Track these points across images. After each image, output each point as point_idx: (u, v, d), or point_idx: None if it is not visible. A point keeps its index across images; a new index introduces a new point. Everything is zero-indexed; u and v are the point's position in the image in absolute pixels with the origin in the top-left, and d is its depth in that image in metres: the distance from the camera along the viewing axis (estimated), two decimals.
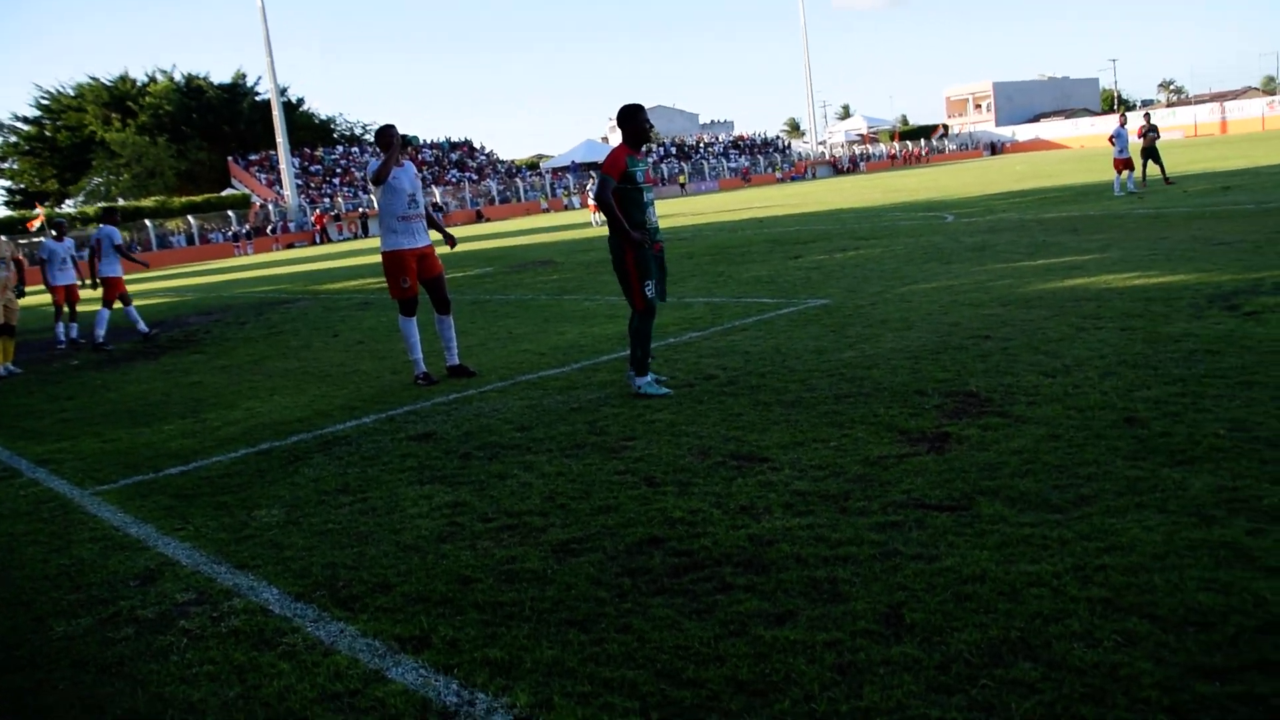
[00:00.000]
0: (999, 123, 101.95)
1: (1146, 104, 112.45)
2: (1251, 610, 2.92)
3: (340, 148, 78.62)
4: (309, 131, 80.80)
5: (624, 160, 6.52)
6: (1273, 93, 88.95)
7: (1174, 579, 3.18)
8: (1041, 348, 6.85)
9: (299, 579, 4.07)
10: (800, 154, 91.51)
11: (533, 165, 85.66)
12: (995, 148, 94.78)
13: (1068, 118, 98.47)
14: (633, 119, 6.65)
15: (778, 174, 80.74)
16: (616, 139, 9.85)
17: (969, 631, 2.97)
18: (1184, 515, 3.68)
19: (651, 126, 6.82)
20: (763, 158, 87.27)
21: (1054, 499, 4.01)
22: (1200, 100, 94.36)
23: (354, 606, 3.72)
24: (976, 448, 4.80)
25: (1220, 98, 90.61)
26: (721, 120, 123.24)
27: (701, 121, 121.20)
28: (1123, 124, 21.89)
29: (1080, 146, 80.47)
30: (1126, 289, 8.93)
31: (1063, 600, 3.11)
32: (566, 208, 67.27)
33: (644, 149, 6.87)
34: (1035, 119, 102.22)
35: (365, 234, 59.00)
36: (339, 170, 72.93)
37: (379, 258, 8.34)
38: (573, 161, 79.30)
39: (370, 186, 8.17)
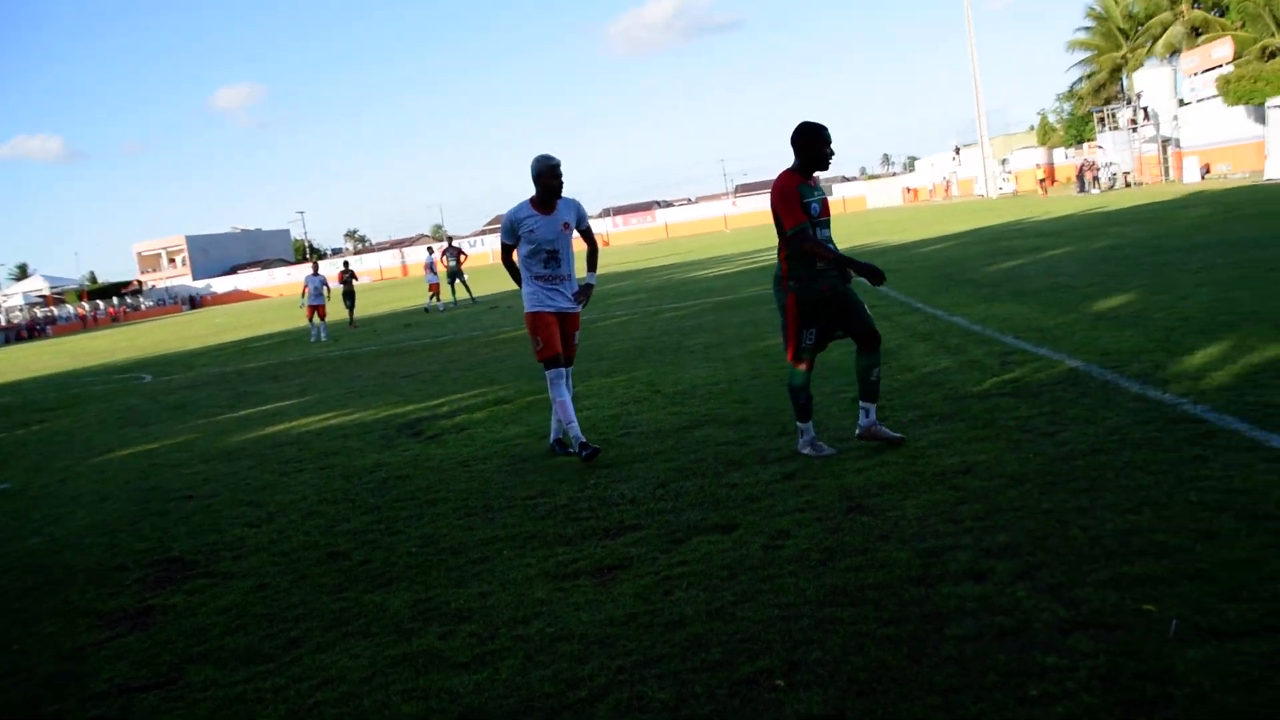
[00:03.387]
0: (195, 276, 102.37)
1: (337, 252, 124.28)
2: (449, 707, 3.33)
3: None
4: None
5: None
6: (440, 239, 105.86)
7: (381, 697, 3.48)
8: (246, 499, 6.99)
9: None
10: None
11: None
12: (195, 301, 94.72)
13: (264, 268, 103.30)
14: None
15: None
16: None
17: None
18: (386, 635, 4.07)
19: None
20: None
21: (265, 649, 4.09)
22: (383, 247, 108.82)
23: None
24: (183, 615, 4.70)
25: (400, 244, 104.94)
26: None
27: None
28: (315, 271, 23.77)
29: (279, 295, 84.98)
30: (325, 429, 9.64)
31: None
32: None
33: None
34: (232, 270, 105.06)
35: None
36: None
37: None
38: None
39: None
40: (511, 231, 6.67)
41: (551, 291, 6.68)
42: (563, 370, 6.65)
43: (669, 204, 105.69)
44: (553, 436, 6.96)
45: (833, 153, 5.67)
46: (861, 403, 5.85)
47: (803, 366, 5.81)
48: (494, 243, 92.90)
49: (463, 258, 28.36)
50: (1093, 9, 63.43)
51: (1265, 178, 33.98)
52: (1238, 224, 17.75)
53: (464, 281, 28.08)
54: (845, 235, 36.30)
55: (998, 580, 3.70)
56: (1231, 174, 40.65)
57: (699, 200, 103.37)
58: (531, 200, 6.63)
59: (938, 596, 3.64)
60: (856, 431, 5.94)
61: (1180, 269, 12.20)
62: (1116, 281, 11.95)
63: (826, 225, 5.70)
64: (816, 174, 5.76)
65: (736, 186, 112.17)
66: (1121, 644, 3.09)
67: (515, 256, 6.82)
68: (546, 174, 6.56)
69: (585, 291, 6.86)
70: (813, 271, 5.62)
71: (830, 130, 5.63)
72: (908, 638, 3.35)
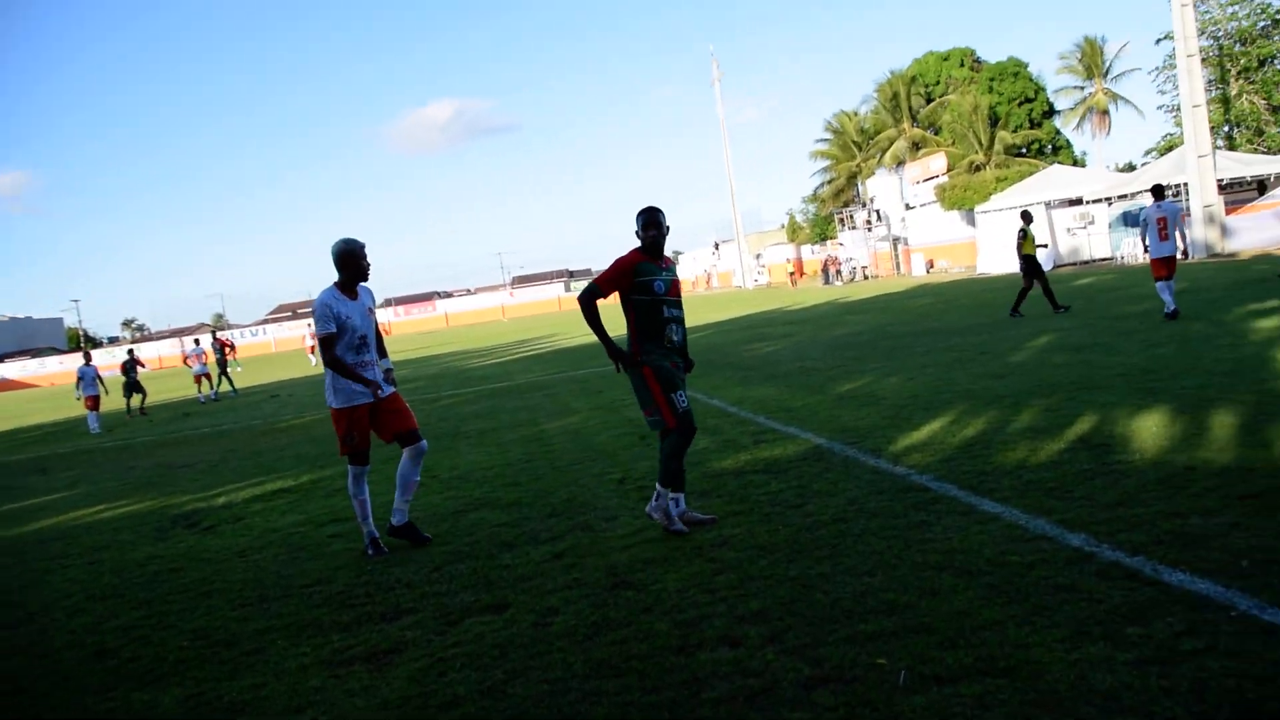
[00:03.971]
0: None
1: (114, 340, 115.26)
2: None
3: None
4: None
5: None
6: (222, 328, 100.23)
7: None
8: (3, 599, 6.48)
9: None
10: None
11: None
12: None
13: (34, 357, 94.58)
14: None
15: None
16: None
17: None
18: None
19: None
20: None
21: None
22: (162, 335, 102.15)
23: None
24: None
25: (179, 333, 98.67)
26: None
27: None
28: (88, 361, 22.23)
29: (50, 384, 78.04)
30: (95, 522, 8.98)
31: None
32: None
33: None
34: (0, 360, 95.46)
35: None
36: None
37: None
38: None
39: None
40: (335, 319, 6.16)
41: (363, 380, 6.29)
42: (367, 468, 6.37)
43: (449, 294, 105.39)
44: (396, 520, 6.48)
45: (665, 231, 5.80)
46: (674, 492, 5.87)
47: (679, 431, 5.69)
48: (277, 331, 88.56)
49: (230, 351, 27.59)
50: (830, 123, 69.41)
51: (977, 272, 38.14)
52: (955, 312, 19.75)
53: (227, 375, 27.13)
54: (620, 325, 37.24)
55: (750, 645, 3.94)
56: (951, 268, 45.28)
57: (478, 290, 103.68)
58: (338, 285, 6.27)
59: (695, 663, 3.84)
60: (676, 523, 5.89)
61: (909, 353, 13.44)
62: (856, 365, 13.00)
63: (676, 305, 5.83)
64: (668, 256, 5.95)
65: (513, 278, 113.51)
66: (858, 695, 3.37)
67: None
68: (359, 256, 6.28)
69: (389, 375, 6.56)
70: (662, 350, 5.76)
71: (661, 214, 5.83)
72: (667, 704, 3.52)
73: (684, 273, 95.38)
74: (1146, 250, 14.25)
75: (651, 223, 5.76)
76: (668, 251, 5.99)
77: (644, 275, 5.71)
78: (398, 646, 4.52)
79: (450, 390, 18.42)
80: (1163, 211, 13.89)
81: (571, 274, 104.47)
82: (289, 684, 4.24)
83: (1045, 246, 17.64)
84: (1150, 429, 6.74)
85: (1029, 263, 17.39)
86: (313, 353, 41.65)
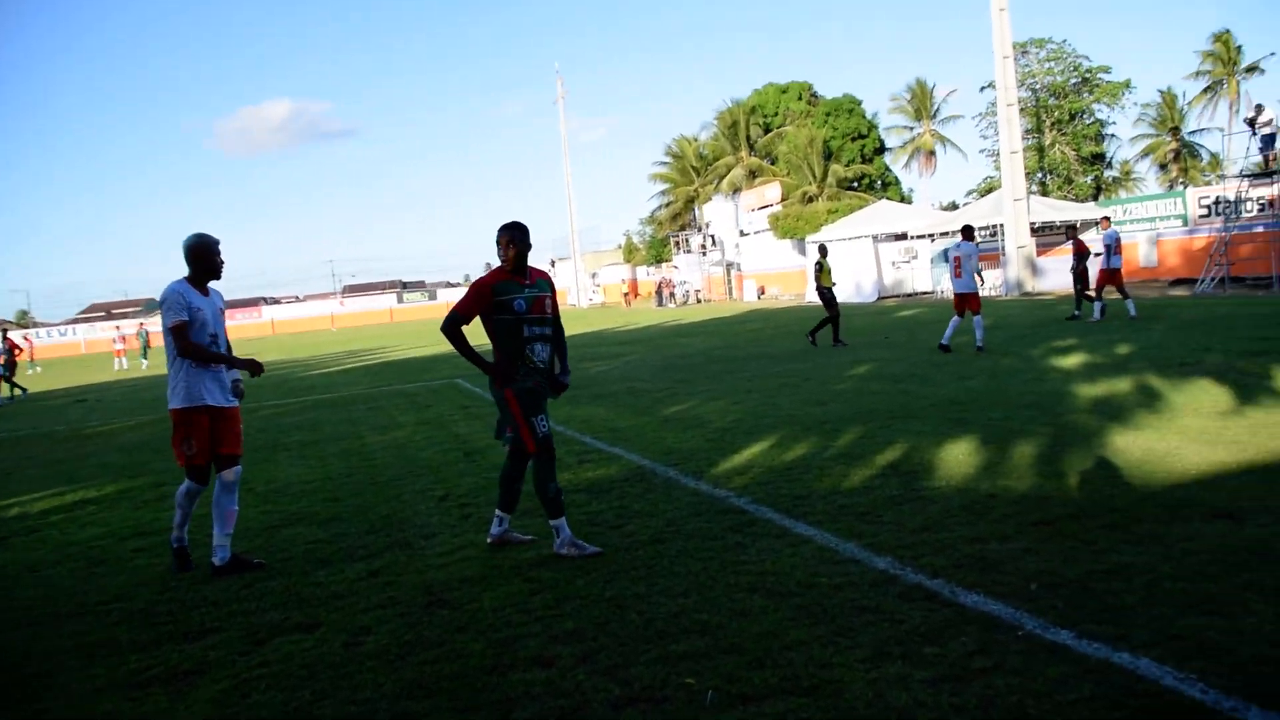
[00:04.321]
0: None
1: None
2: None
3: None
4: None
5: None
6: (26, 325, 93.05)
7: None
8: None
9: None
10: None
11: None
12: None
13: None
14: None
15: None
16: None
17: None
18: None
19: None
20: None
21: None
22: None
23: None
24: None
25: None
26: None
27: None
28: None
29: None
30: None
31: None
32: None
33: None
34: None
35: None
36: None
37: None
38: None
39: None
40: (188, 307, 5.72)
41: (210, 382, 5.83)
42: (204, 489, 5.89)
43: (276, 300, 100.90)
44: (219, 559, 5.87)
45: (527, 248, 5.62)
46: (501, 517, 5.83)
47: (540, 454, 5.54)
48: (88, 332, 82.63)
49: (17, 352, 25.87)
50: (670, 148, 70.79)
51: (807, 299, 39.52)
52: (783, 339, 20.40)
53: (11, 379, 25.38)
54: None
55: (562, 665, 3.92)
56: (781, 295, 46.80)
57: (307, 298, 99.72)
58: (188, 280, 5.84)
59: (507, 684, 3.79)
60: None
61: (736, 377, 13.77)
62: (684, 387, 13.22)
63: (540, 323, 5.63)
64: (542, 271, 5.78)
65: (345, 287, 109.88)
66: (667, 715, 3.40)
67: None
68: (213, 251, 5.87)
69: (236, 386, 6.08)
70: (526, 369, 5.60)
71: (523, 230, 5.65)
72: None
73: None
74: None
75: (512, 239, 5.61)
76: (544, 265, 5.94)
77: (503, 294, 5.57)
78: (200, 667, 4.31)
79: (272, 401, 17.66)
80: (959, 251, 14.89)
81: (405, 285, 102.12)
82: (79, 709, 3.98)
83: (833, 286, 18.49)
84: (957, 457, 7.11)
85: (827, 294, 18.14)
86: (120, 356, 39.24)
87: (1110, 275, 18.44)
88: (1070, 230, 21.59)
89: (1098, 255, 18.98)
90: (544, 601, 4.74)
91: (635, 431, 9.70)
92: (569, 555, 5.49)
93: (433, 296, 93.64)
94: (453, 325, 5.66)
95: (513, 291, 5.60)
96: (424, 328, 54.94)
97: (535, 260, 5.75)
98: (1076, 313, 19.05)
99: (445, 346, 31.10)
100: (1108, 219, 20.23)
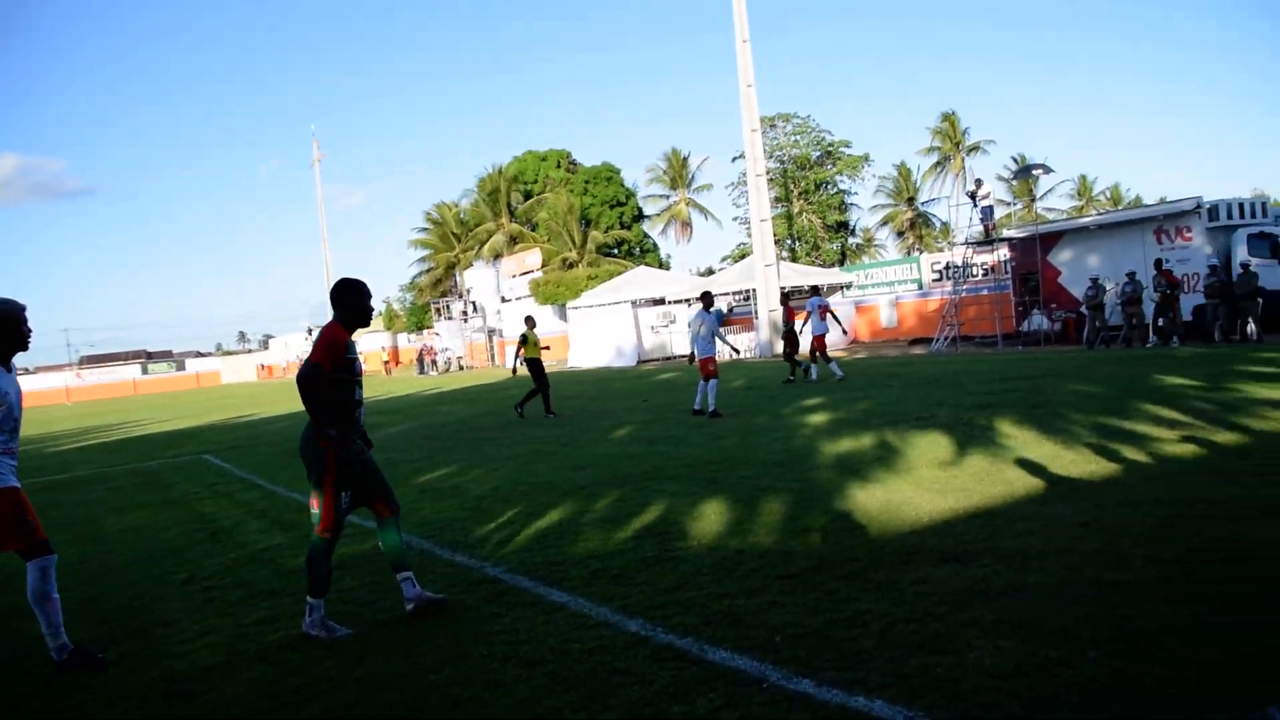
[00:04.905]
0: None
1: None
2: None
3: None
4: None
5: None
6: None
7: None
8: None
9: None
10: None
11: None
12: None
13: None
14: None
15: None
16: None
17: None
18: None
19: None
20: None
21: None
22: None
23: None
24: None
25: None
26: None
27: None
28: None
29: None
30: None
31: None
32: None
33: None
34: None
35: None
36: None
37: None
38: None
39: None
40: None
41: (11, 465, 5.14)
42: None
43: None
44: (58, 654, 5.17)
45: (372, 308, 5.61)
46: (401, 573, 5.52)
47: (328, 534, 5.31)
48: None
49: None
50: (430, 214, 70.36)
51: (569, 365, 40.08)
52: (541, 405, 20.50)
53: None
54: (202, 410, 34.52)
55: None
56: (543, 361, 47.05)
57: (37, 370, 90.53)
58: None
59: None
60: (409, 607, 5.47)
61: (494, 444, 13.72)
62: (441, 455, 13.02)
63: (361, 388, 5.55)
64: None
65: (82, 358, 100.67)
66: None
67: None
68: (20, 320, 5.14)
69: None
70: (348, 434, 5.37)
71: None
72: None
73: (275, 357, 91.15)
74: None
75: (363, 298, 5.54)
76: (299, 333, 5.76)
77: (350, 353, 5.43)
78: None
79: None
80: (700, 319, 15.85)
81: (150, 355, 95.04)
82: None
83: (547, 348, 18.86)
84: (709, 516, 7.38)
85: (535, 365, 18.06)
86: None
87: (818, 340, 20.17)
88: (783, 298, 23.17)
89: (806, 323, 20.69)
90: (289, 685, 4.55)
91: None
92: (317, 637, 5.28)
93: (180, 367, 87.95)
94: (314, 375, 5.24)
95: (353, 351, 5.49)
96: (171, 400, 51.47)
97: (291, 329, 5.61)
98: (790, 378, 20.28)
99: (194, 420, 29.34)
100: (816, 288, 21.97)
